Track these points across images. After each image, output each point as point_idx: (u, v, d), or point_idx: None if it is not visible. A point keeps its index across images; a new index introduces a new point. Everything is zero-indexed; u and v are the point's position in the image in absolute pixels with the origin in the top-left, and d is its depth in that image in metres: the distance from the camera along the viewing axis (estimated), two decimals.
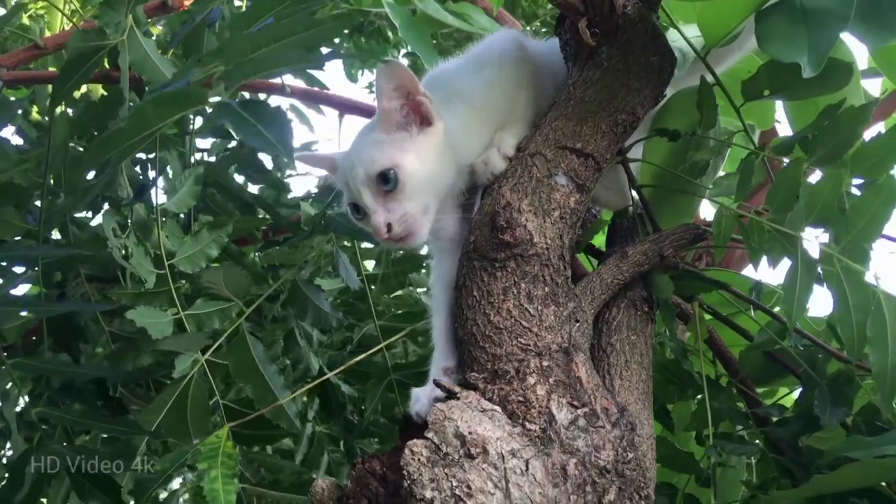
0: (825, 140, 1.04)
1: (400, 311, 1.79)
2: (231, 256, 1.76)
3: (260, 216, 1.99)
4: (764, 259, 1.07)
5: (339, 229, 1.45)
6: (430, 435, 0.88)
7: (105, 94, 1.66)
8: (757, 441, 1.28)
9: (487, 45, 1.28)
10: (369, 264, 1.87)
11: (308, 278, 1.50)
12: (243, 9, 1.53)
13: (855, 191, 1.02)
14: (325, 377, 1.41)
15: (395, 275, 1.73)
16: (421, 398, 1.02)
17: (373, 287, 1.74)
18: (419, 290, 2.00)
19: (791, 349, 1.21)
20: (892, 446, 0.92)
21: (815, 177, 1.09)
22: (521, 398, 0.93)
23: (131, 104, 1.39)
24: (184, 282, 1.56)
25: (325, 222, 1.44)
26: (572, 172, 1.08)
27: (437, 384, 0.98)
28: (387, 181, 1.04)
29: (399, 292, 1.93)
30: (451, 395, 0.96)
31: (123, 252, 1.42)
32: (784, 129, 1.59)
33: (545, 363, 0.95)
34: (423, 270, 1.89)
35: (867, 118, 1.01)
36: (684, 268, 1.17)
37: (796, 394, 1.35)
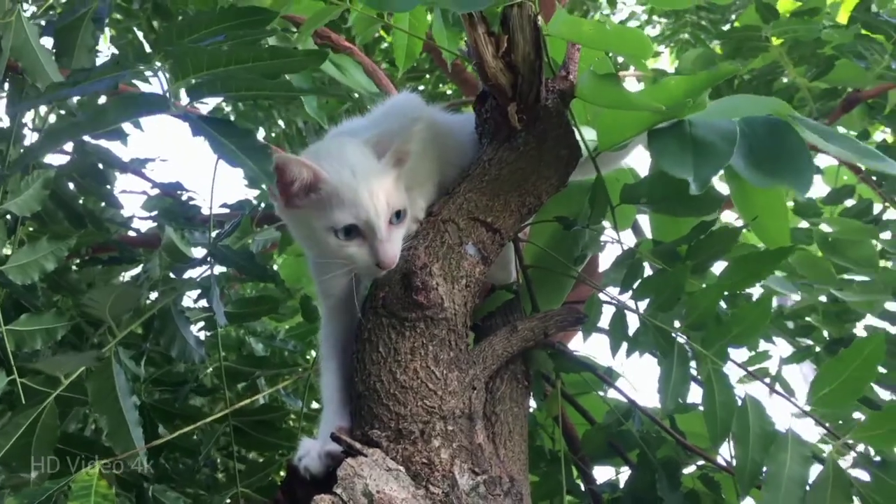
0: (698, 252, 1.18)
1: (245, 354, 1.72)
2: (56, 270, 1.59)
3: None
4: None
5: (227, 263, 1.37)
6: (338, 490, 0.86)
7: None
8: None
9: (391, 107, 1.31)
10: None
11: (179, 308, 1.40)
12: None
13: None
14: (195, 426, 1.29)
15: (243, 315, 1.65)
16: (311, 451, 0.98)
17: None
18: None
19: (635, 431, 1.32)
20: None
21: None
22: (425, 460, 0.94)
23: None
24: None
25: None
26: (480, 244, 1.12)
27: (336, 438, 0.95)
28: (399, 217, 1.07)
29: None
30: (349, 451, 0.94)
31: None
32: None
33: (450, 427, 0.97)
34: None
35: (736, 239, 1.16)
36: (559, 347, 1.25)
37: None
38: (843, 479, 0.95)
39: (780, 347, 1.94)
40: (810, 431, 1.14)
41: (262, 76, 0.87)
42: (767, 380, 1.19)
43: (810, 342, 1.97)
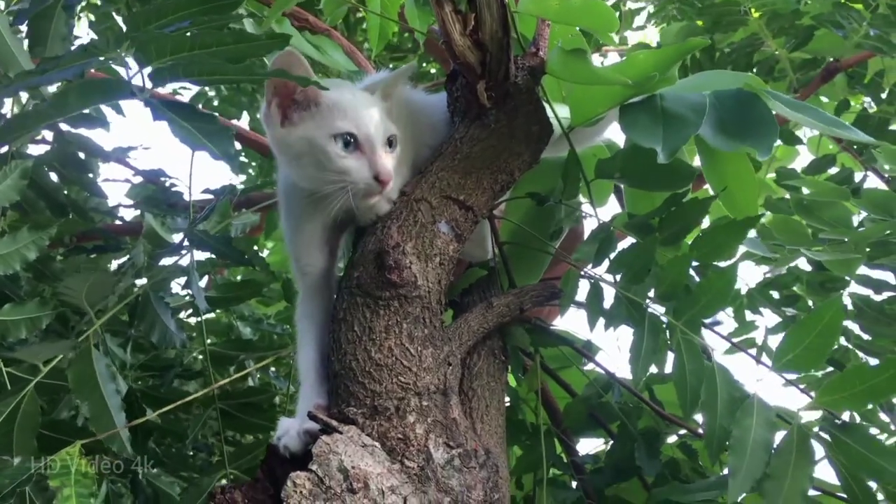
0: (670, 224, 1.19)
1: (233, 338, 1.73)
2: (39, 260, 1.60)
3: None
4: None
5: (204, 247, 1.38)
6: (314, 467, 0.88)
7: None
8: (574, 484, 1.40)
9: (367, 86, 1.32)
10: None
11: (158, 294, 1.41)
12: None
13: (692, 272, 1.17)
14: (181, 402, 1.31)
15: (227, 300, 1.67)
16: (290, 430, 1.00)
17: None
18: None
19: (615, 403, 1.34)
20: (708, 492, 1.07)
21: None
22: (400, 435, 0.96)
23: None
24: None
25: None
26: (454, 222, 1.13)
27: (312, 417, 0.97)
28: (391, 144, 1.13)
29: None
30: (325, 429, 0.96)
31: None
32: None
33: (424, 403, 0.99)
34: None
35: (706, 210, 1.17)
36: (536, 322, 1.27)
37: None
38: (806, 442, 0.97)
39: (768, 318, 1.96)
40: (795, 399, 1.16)
41: (228, 61, 0.88)
42: (753, 350, 1.21)
43: (795, 312, 1.99)
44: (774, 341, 1.38)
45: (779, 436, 1.00)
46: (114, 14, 2.84)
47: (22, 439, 1.15)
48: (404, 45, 3.21)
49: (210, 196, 2.00)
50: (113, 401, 1.20)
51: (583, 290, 1.24)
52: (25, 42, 1.39)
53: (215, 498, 0.95)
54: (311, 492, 0.86)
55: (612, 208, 2.04)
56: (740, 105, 1.07)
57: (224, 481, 1.64)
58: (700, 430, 1.37)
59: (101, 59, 0.94)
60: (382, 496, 0.89)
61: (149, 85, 0.86)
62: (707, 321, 1.15)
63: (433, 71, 3.34)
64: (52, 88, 1.77)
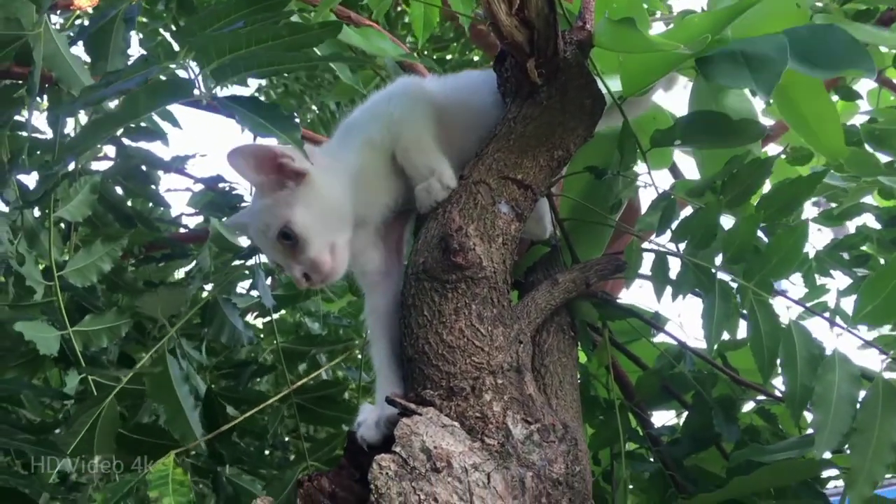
0: (733, 186, 1.17)
1: (302, 334, 1.77)
2: (112, 271, 1.66)
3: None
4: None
5: None
6: (397, 449, 0.90)
7: None
8: (651, 458, 1.39)
9: (383, 97, 1.33)
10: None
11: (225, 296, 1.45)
12: None
13: (760, 233, 1.15)
14: (269, 401, 1.36)
15: (292, 298, 1.71)
16: (367, 420, 1.02)
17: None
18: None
19: (688, 373, 1.32)
20: (789, 451, 1.06)
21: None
22: (478, 414, 0.97)
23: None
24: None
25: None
26: (513, 202, 1.14)
27: (391, 401, 0.99)
28: (288, 238, 1.09)
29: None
30: (404, 412, 0.97)
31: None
32: None
33: (499, 381, 1.00)
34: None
35: (769, 170, 1.15)
36: (602, 296, 1.26)
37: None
38: (891, 393, 0.95)
39: (839, 280, 1.91)
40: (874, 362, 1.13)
41: (288, 51, 0.90)
42: (826, 314, 1.18)
43: (867, 272, 1.93)
44: (847, 304, 1.35)
45: (862, 394, 0.98)
46: (161, 30, 2.91)
47: (102, 441, 1.21)
48: (446, 35, 3.22)
49: None
50: (187, 402, 1.25)
51: (647, 260, 1.23)
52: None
53: (302, 486, 0.98)
54: (396, 473, 0.88)
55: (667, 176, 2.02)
56: (819, 38, 1.02)
57: (306, 476, 1.68)
58: (778, 394, 1.35)
59: (163, 66, 0.98)
60: (466, 474, 0.90)
61: (211, 84, 0.88)
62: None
63: (476, 59, 3.34)
64: (112, 104, 1.84)
